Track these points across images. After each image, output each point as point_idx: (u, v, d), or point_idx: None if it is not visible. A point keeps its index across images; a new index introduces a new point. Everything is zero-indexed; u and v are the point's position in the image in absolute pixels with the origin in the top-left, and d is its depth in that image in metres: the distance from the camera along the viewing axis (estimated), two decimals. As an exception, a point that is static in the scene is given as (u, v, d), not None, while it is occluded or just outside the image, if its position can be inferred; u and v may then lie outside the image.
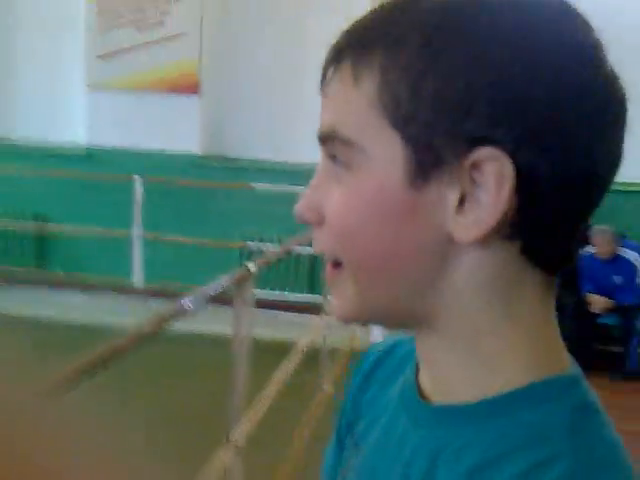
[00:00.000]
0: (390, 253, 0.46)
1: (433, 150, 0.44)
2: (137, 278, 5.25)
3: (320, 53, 0.50)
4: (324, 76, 0.48)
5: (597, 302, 4.76)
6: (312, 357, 3.22)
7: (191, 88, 5.79)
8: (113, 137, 5.84)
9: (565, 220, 0.45)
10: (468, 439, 0.46)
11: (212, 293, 1.80)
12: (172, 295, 5.04)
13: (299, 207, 0.49)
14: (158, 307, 4.96)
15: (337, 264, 0.48)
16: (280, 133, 5.81)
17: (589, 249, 4.83)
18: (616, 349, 4.91)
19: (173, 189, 5.60)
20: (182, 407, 3.46)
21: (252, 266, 2.23)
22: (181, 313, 1.58)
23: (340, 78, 0.47)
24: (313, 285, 5.51)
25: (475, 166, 0.43)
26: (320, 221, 0.48)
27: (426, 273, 0.46)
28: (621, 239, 4.80)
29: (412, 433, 0.50)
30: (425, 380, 0.51)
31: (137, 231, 5.30)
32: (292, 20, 5.72)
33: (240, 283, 2.13)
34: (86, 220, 5.62)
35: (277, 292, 5.47)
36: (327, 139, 0.47)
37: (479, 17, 0.43)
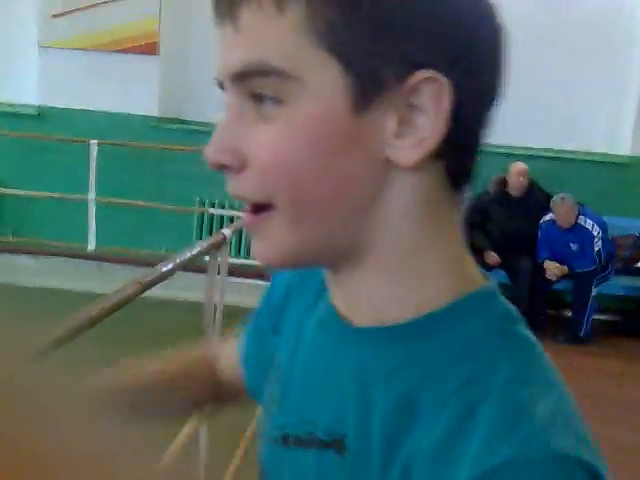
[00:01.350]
0: (330, 185, 0.46)
1: (374, 76, 0.44)
2: (91, 243, 5.11)
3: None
4: (221, 6, 0.46)
5: (553, 268, 4.82)
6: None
7: (150, 49, 5.63)
8: (67, 98, 5.65)
9: (479, 138, 0.48)
10: (402, 359, 0.48)
11: (188, 259, 1.72)
12: (126, 261, 4.97)
13: (211, 152, 0.47)
14: (111, 271, 4.87)
15: (262, 207, 0.47)
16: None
17: (549, 217, 4.89)
18: (568, 314, 5.03)
19: (130, 152, 5.46)
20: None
21: (227, 232, 2.17)
22: (165, 277, 1.52)
23: (257, 8, 0.44)
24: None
25: (413, 89, 0.44)
26: (242, 164, 0.47)
27: (363, 201, 0.47)
28: (581, 207, 4.86)
29: (340, 359, 0.51)
30: (347, 310, 0.52)
31: (92, 195, 5.15)
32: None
33: (215, 249, 2.08)
34: (39, 183, 5.44)
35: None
36: (247, 75, 0.45)
37: None
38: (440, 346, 0.47)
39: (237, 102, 0.47)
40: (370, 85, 0.44)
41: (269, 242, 0.48)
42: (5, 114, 5.74)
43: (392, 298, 0.49)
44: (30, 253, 5.22)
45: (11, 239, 5.63)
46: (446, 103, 0.44)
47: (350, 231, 0.47)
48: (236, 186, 0.48)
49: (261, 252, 0.49)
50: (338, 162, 0.46)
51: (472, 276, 0.50)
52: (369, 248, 0.48)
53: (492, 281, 0.51)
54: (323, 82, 0.45)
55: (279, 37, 0.44)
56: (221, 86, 0.49)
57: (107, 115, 5.58)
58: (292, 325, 0.60)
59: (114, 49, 5.64)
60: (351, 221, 0.47)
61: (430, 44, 0.44)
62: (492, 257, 4.88)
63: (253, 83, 0.46)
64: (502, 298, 0.49)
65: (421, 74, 0.44)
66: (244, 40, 0.46)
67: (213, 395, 0.77)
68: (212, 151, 0.47)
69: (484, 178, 5.25)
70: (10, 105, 5.83)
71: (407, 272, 0.48)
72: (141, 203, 5.25)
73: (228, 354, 0.73)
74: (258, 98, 0.46)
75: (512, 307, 0.49)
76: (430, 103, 0.44)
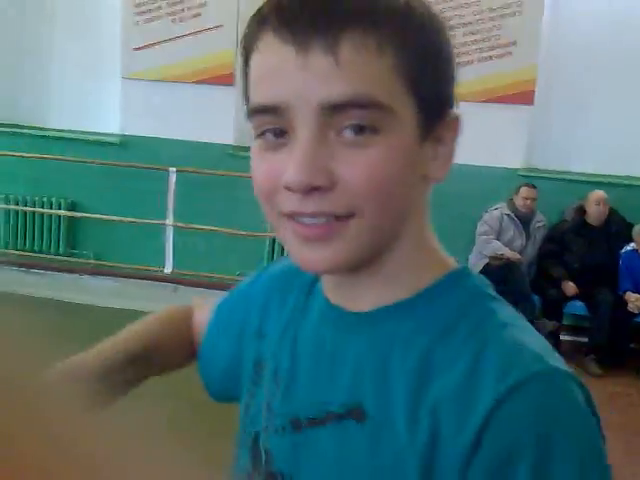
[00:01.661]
0: (403, 195, 0.56)
1: (435, 112, 0.56)
2: (168, 266, 5.26)
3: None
4: (310, 34, 0.50)
5: (635, 300, 4.62)
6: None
7: (226, 79, 5.79)
8: (148, 127, 5.87)
9: None
10: (412, 328, 0.57)
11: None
12: (200, 284, 5.08)
13: (302, 174, 0.51)
14: (186, 294, 4.99)
15: (338, 218, 0.53)
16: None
17: (631, 246, 4.70)
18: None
19: (206, 179, 5.61)
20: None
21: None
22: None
23: (361, 46, 0.50)
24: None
25: (446, 124, 0.57)
26: (332, 184, 0.52)
27: (408, 210, 0.57)
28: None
29: (351, 342, 0.59)
30: (347, 301, 0.61)
31: (169, 220, 5.32)
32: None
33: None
34: (119, 208, 5.66)
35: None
36: (346, 106, 0.51)
37: (437, 17, 0.57)
38: (441, 312, 0.57)
39: (319, 127, 0.52)
40: (431, 120, 0.56)
41: (346, 247, 0.54)
42: (89, 142, 6.01)
43: (397, 283, 0.59)
44: (109, 275, 5.40)
45: (92, 261, 5.86)
46: (459, 132, 0.58)
47: (395, 233, 0.58)
48: (321, 203, 0.53)
49: (330, 257, 0.54)
50: (409, 178, 0.55)
51: (447, 259, 0.62)
52: (398, 244, 0.58)
53: (460, 261, 0.63)
54: (406, 115, 0.54)
55: (381, 75, 0.52)
56: (264, 110, 0.54)
57: (185, 143, 5.75)
58: (280, 327, 0.67)
59: (192, 80, 5.84)
60: (399, 224, 0.57)
61: (453, 86, 0.57)
62: (570, 288, 4.72)
63: (350, 113, 0.51)
64: (472, 271, 0.62)
65: (453, 113, 0.58)
66: (345, 74, 0.50)
67: (187, 350, 0.82)
68: (304, 173, 0.51)
69: (562, 206, 5.11)
70: (94, 134, 6.10)
71: (411, 261, 0.59)
72: (216, 228, 5.37)
73: (200, 320, 0.81)
74: (353, 127, 0.52)
75: (482, 277, 0.62)
76: (454, 132, 0.58)
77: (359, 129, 0.52)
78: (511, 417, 0.50)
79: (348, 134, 0.52)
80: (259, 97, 0.54)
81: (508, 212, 4.96)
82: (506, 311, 0.58)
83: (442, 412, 0.52)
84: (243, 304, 0.74)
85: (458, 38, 5.34)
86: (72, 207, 6.06)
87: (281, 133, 0.54)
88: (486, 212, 5.01)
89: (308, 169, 0.51)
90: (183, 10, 5.83)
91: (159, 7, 5.86)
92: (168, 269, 5.24)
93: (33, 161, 5.85)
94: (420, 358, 0.55)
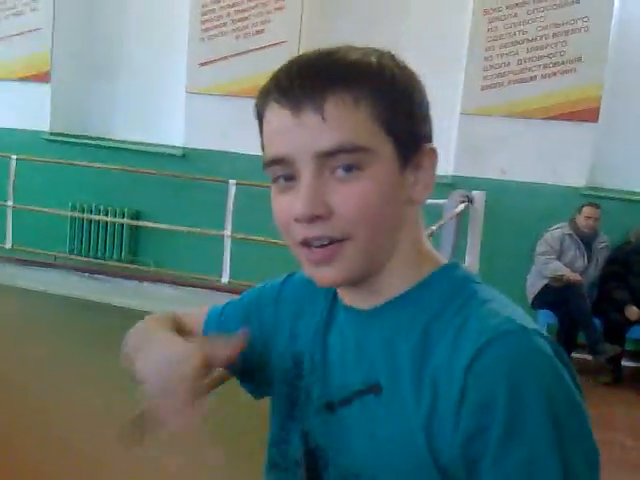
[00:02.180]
0: (390, 219, 0.68)
1: (410, 147, 0.68)
2: (225, 276, 5.35)
3: None
4: (302, 101, 0.64)
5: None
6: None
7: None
8: (210, 140, 6.00)
9: None
10: (412, 313, 0.70)
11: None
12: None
13: (307, 208, 0.65)
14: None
15: (336, 242, 0.66)
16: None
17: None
18: None
19: (264, 192, 5.67)
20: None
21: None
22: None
23: (341, 104, 0.64)
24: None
25: (424, 155, 0.70)
26: (329, 213, 0.65)
27: (398, 228, 0.70)
28: None
29: (368, 334, 0.72)
30: (361, 302, 0.73)
31: (228, 231, 5.41)
32: (393, 28, 5.72)
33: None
34: (180, 218, 5.80)
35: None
36: (334, 152, 0.64)
37: (407, 69, 0.71)
38: (434, 297, 0.70)
39: (316, 170, 0.65)
40: (408, 153, 0.68)
41: (345, 265, 0.67)
42: (153, 154, 6.19)
43: (398, 283, 0.71)
44: (168, 283, 5.52)
45: (152, 269, 6.01)
46: (436, 160, 0.71)
47: (389, 248, 0.70)
48: (323, 229, 0.65)
49: (334, 275, 0.68)
50: (393, 204, 0.67)
51: (439, 257, 0.75)
52: (394, 256, 0.70)
53: (454, 259, 0.77)
54: (385, 153, 0.66)
55: (359, 124, 0.65)
56: (274, 161, 0.67)
57: (245, 157, 5.86)
58: (312, 328, 0.79)
59: (253, 95, 5.94)
60: (391, 241, 0.70)
61: (428, 125, 0.71)
62: (633, 312, 4.57)
63: (338, 157, 0.64)
64: (461, 265, 0.75)
65: (428, 146, 0.71)
66: (331, 127, 0.64)
67: None
68: (307, 207, 0.65)
69: (625, 227, 4.96)
70: (158, 146, 6.28)
71: (409, 264, 0.72)
72: (272, 240, 5.43)
73: (194, 321, 0.92)
74: (342, 167, 0.64)
75: (470, 270, 0.75)
76: (431, 161, 0.71)
77: (348, 168, 0.65)
78: (484, 370, 0.61)
79: (339, 172, 0.65)
80: (270, 152, 0.68)
81: (570, 232, 4.84)
82: (488, 292, 0.70)
83: (438, 377, 0.64)
84: (272, 306, 0.86)
85: (521, 54, 5.28)
86: (135, 216, 6.24)
87: (290, 177, 0.67)
88: (547, 231, 4.91)
89: (310, 203, 0.65)
90: (247, 26, 5.96)
91: (224, 23, 6.01)
92: (225, 279, 5.33)
93: (100, 171, 6.06)
94: (420, 336, 0.68)
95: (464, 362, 0.62)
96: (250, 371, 0.86)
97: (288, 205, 0.67)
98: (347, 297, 0.76)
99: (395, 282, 0.71)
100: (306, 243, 0.67)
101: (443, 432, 0.63)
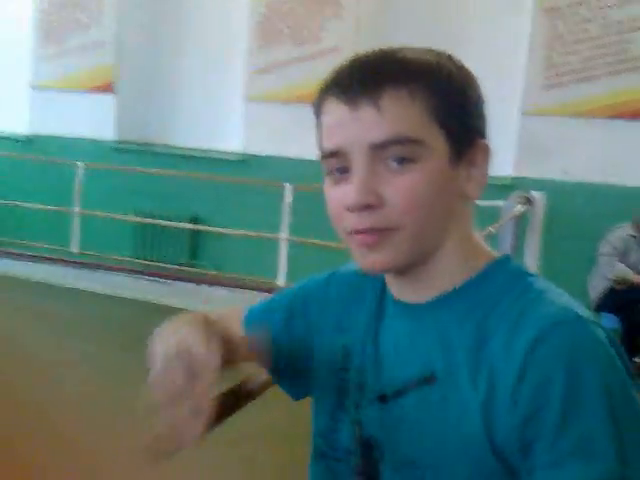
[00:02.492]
0: (439, 211, 0.69)
1: (463, 142, 0.70)
2: (280, 279, 5.39)
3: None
4: (360, 94, 0.67)
5: None
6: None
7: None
8: (268, 145, 6.09)
9: None
10: (468, 305, 0.71)
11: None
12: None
13: (358, 196, 0.67)
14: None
15: (385, 230, 0.67)
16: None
17: None
18: None
19: (320, 196, 5.70)
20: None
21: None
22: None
23: (396, 97, 0.66)
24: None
25: (477, 151, 0.71)
26: (381, 203, 0.67)
27: (448, 221, 0.71)
28: None
29: (423, 327, 0.73)
30: (412, 296, 0.74)
31: (284, 235, 5.46)
32: (449, 31, 5.69)
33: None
34: (237, 222, 5.88)
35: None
36: (393, 143, 0.66)
37: (464, 69, 0.73)
38: (491, 290, 0.71)
39: (370, 161, 0.67)
40: (461, 147, 0.70)
41: (393, 252, 0.69)
42: (212, 160, 6.32)
43: (447, 276, 0.73)
44: (226, 285, 5.61)
45: (211, 272, 6.11)
46: (490, 157, 0.72)
47: (438, 239, 0.71)
48: (370, 220, 0.68)
49: (382, 260, 0.69)
50: (444, 196, 0.69)
51: (491, 251, 0.76)
52: (444, 248, 0.72)
53: (504, 252, 0.77)
54: (438, 147, 0.68)
55: (414, 118, 0.67)
56: (331, 154, 0.70)
57: (303, 162, 5.90)
58: (363, 322, 0.80)
59: (309, 101, 6.00)
60: (441, 233, 0.71)
61: (482, 121, 0.72)
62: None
63: (393, 149, 0.67)
64: (512, 258, 0.76)
65: (482, 142, 0.72)
66: (386, 119, 0.66)
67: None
68: (360, 195, 0.67)
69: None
70: (217, 152, 6.41)
71: (459, 257, 0.73)
72: (327, 243, 5.44)
73: (232, 316, 0.92)
74: (395, 159, 0.67)
75: (521, 263, 0.76)
76: (485, 158, 0.72)
77: (400, 160, 0.67)
78: (543, 355, 0.63)
79: (392, 164, 0.67)
80: (327, 145, 0.71)
81: (633, 233, 4.67)
82: (542, 283, 0.71)
83: (495, 363, 0.66)
84: (317, 303, 0.87)
85: (583, 53, 5.16)
86: (195, 220, 6.37)
87: (344, 170, 0.70)
88: (610, 231, 4.75)
89: (363, 191, 0.67)
90: (303, 34, 6.03)
91: (281, 31, 6.10)
92: (280, 281, 5.37)
93: (161, 177, 6.23)
94: (476, 329, 0.69)
95: (523, 347, 0.64)
96: (291, 368, 0.87)
97: (341, 195, 0.70)
98: (396, 290, 0.77)
99: (445, 275, 0.73)
100: (357, 233, 0.69)
101: (500, 416, 0.64)
